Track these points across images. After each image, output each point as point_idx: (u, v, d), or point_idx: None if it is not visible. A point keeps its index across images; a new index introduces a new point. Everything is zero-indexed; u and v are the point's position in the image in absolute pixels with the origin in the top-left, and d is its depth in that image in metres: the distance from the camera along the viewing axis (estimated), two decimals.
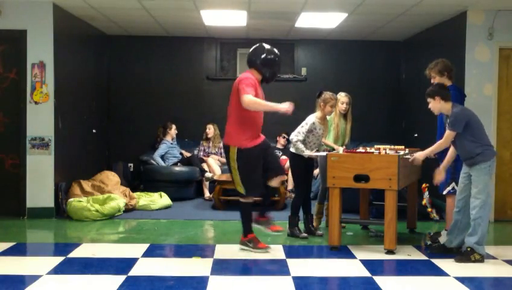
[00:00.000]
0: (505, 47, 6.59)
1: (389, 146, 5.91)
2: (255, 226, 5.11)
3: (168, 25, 8.04)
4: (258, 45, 5.06)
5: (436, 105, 4.89)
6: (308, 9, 6.83)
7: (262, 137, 5.03)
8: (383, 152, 5.24)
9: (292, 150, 5.63)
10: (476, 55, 6.56)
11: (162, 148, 8.28)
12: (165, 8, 6.92)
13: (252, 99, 4.69)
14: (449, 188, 5.25)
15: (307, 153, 5.46)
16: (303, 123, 5.59)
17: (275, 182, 5.07)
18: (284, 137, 8.62)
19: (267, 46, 5.02)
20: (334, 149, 5.84)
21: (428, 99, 4.93)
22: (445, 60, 5.31)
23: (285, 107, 4.76)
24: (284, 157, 8.08)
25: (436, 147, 4.93)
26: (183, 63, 9.07)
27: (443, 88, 4.93)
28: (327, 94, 5.60)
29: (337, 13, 7.05)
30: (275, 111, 4.81)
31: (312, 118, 5.58)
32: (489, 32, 6.52)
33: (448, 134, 4.80)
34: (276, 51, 5.04)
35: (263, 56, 4.94)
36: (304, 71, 9.16)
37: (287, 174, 7.84)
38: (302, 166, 5.63)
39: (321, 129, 5.60)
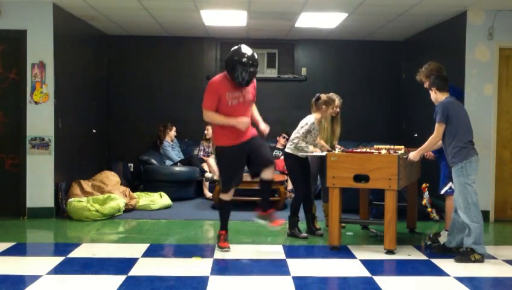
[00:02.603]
0: (505, 47, 6.59)
1: (388, 146, 5.91)
2: (258, 221, 5.12)
3: (168, 25, 8.04)
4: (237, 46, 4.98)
5: (433, 95, 4.97)
6: (308, 9, 6.83)
7: (245, 136, 4.92)
8: (384, 152, 5.24)
9: (289, 150, 5.62)
10: (476, 55, 6.56)
11: (168, 151, 8.36)
12: (165, 8, 6.92)
13: (208, 114, 4.86)
14: (446, 188, 5.25)
15: (311, 149, 5.45)
16: (302, 124, 5.58)
17: (266, 174, 4.96)
18: (284, 137, 8.62)
19: (236, 47, 4.88)
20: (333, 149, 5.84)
21: (430, 91, 4.98)
22: (432, 63, 5.30)
23: (243, 124, 4.83)
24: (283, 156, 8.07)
25: (429, 142, 4.92)
26: (183, 63, 9.07)
27: (440, 79, 4.96)
28: (327, 96, 5.60)
29: (337, 13, 7.05)
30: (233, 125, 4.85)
31: (312, 119, 5.58)
32: (489, 32, 6.52)
33: (437, 127, 4.82)
34: (244, 52, 4.79)
35: (227, 57, 4.87)
36: (304, 71, 9.16)
37: (286, 174, 7.86)
38: (299, 166, 5.62)
39: (317, 130, 5.61)
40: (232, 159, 4.95)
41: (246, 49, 4.86)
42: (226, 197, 5.08)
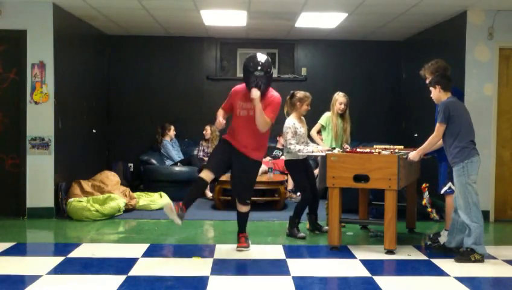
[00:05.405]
0: (505, 47, 6.59)
1: (388, 146, 5.90)
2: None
3: (168, 25, 8.04)
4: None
5: (435, 94, 4.93)
6: (308, 9, 6.83)
7: (239, 146, 4.98)
8: (387, 152, 5.24)
9: (287, 157, 5.64)
10: (476, 55, 6.56)
11: (169, 149, 8.36)
12: (165, 8, 6.93)
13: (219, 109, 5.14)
14: (445, 188, 5.25)
15: (311, 149, 5.46)
16: (285, 130, 5.57)
17: (238, 207, 5.12)
18: None
19: (250, 55, 5.05)
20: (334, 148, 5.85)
21: (430, 88, 4.95)
22: (440, 60, 5.26)
23: (217, 123, 5.00)
24: (284, 157, 8.07)
25: (429, 142, 4.91)
26: (183, 63, 9.07)
27: (445, 78, 4.93)
28: (301, 93, 5.64)
29: (337, 13, 7.05)
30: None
31: (291, 120, 5.60)
32: (489, 32, 6.52)
33: (437, 127, 4.81)
34: (253, 59, 4.93)
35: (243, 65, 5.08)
36: (304, 71, 9.17)
37: (286, 174, 7.87)
38: (301, 169, 5.64)
39: (302, 128, 5.63)
40: (221, 149, 5.10)
41: (255, 57, 4.97)
42: (202, 173, 5.04)
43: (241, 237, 5.19)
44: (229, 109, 5.09)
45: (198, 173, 8.02)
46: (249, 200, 5.11)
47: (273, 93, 5.01)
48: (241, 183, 5.06)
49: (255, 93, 4.79)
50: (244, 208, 5.12)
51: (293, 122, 5.57)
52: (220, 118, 4.98)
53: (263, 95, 4.88)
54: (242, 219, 5.19)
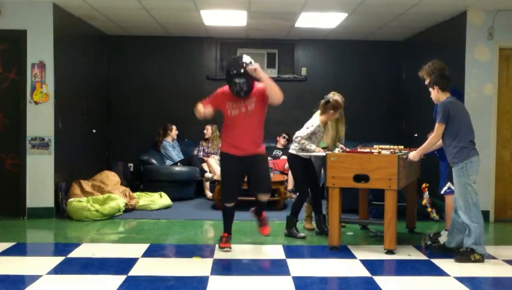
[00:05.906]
0: (505, 47, 6.59)
1: (388, 146, 5.90)
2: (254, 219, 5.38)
3: (168, 25, 8.04)
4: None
5: (434, 94, 4.94)
6: (308, 9, 6.83)
7: (245, 151, 4.97)
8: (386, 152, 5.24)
9: (293, 151, 5.63)
10: (476, 55, 6.56)
11: (169, 151, 8.37)
12: (165, 8, 6.93)
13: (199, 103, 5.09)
14: (445, 188, 5.25)
15: (313, 147, 5.45)
16: (308, 125, 5.58)
17: (261, 198, 5.17)
18: (284, 137, 8.63)
19: (233, 57, 5.09)
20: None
21: (430, 89, 4.96)
22: (437, 61, 5.27)
23: (197, 110, 5.09)
24: (284, 157, 8.09)
25: (428, 142, 4.92)
26: (183, 63, 9.07)
27: (444, 78, 4.94)
28: (336, 100, 5.57)
29: (337, 13, 7.05)
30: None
31: (317, 121, 5.59)
32: (489, 32, 6.52)
33: (437, 127, 4.81)
34: (234, 63, 4.89)
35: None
36: (304, 71, 9.17)
37: (286, 174, 7.88)
38: (303, 167, 5.63)
39: (321, 132, 5.62)
40: (229, 168, 5.05)
41: (237, 60, 4.92)
42: (226, 204, 5.14)
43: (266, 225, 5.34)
44: (212, 104, 5.03)
45: (200, 175, 8.10)
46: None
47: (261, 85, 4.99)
48: (266, 179, 5.14)
49: (255, 65, 4.78)
50: (268, 196, 5.20)
51: (318, 124, 5.57)
52: (200, 105, 5.03)
53: (252, 91, 4.88)
54: (263, 208, 5.30)
